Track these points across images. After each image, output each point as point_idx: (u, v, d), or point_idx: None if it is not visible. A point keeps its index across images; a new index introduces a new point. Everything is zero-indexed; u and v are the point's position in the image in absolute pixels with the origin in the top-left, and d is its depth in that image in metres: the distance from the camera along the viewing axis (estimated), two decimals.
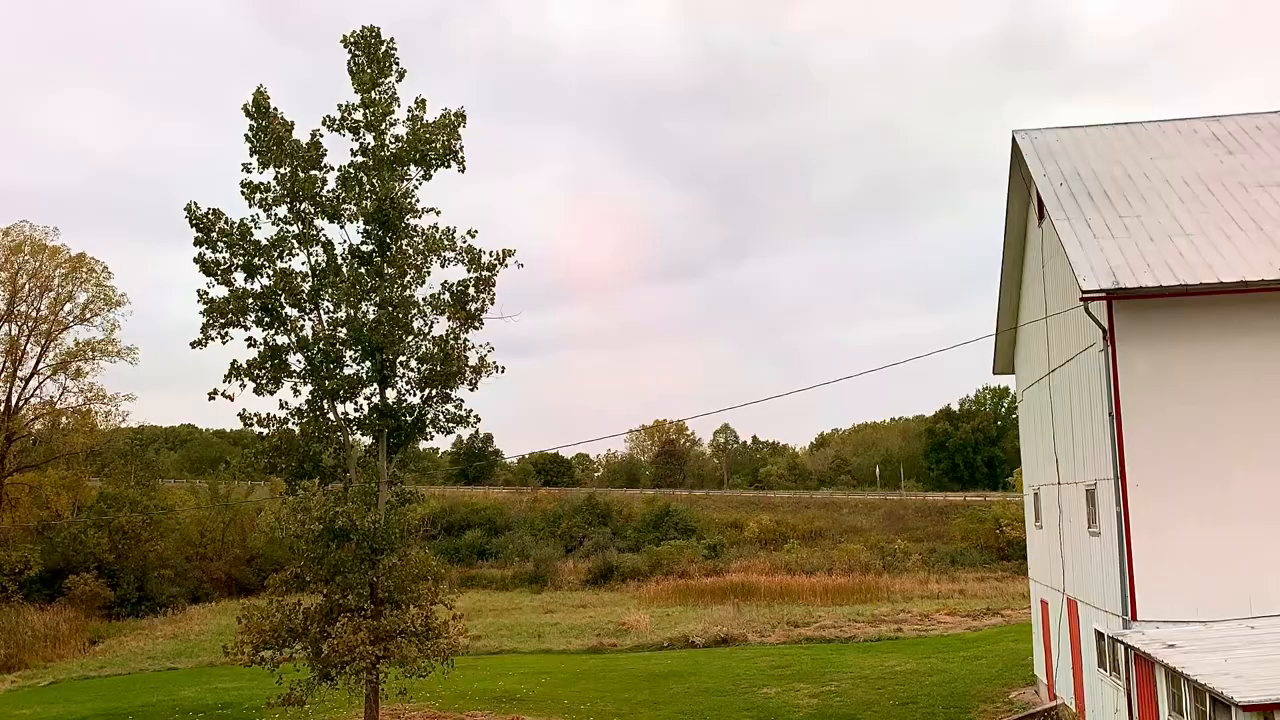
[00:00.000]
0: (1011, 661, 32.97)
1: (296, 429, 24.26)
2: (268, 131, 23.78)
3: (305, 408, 24.37)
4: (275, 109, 24.01)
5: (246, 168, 24.11)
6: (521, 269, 24.99)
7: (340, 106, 24.30)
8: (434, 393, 24.64)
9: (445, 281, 24.85)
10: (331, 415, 24.47)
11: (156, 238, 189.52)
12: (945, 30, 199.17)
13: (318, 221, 24.51)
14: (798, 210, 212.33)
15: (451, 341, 24.60)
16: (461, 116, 24.64)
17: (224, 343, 23.86)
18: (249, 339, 24.16)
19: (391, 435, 24.64)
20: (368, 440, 25.40)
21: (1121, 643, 18.07)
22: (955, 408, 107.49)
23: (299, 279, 24.21)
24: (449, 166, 24.80)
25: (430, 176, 24.71)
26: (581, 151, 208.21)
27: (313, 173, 24.17)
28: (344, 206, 24.36)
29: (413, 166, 24.41)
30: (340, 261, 24.36)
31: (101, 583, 58.09)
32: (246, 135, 23.91)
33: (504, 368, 25.01)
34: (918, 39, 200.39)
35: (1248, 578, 17.80)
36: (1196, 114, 25.45)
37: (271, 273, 24.05)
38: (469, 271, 24.71)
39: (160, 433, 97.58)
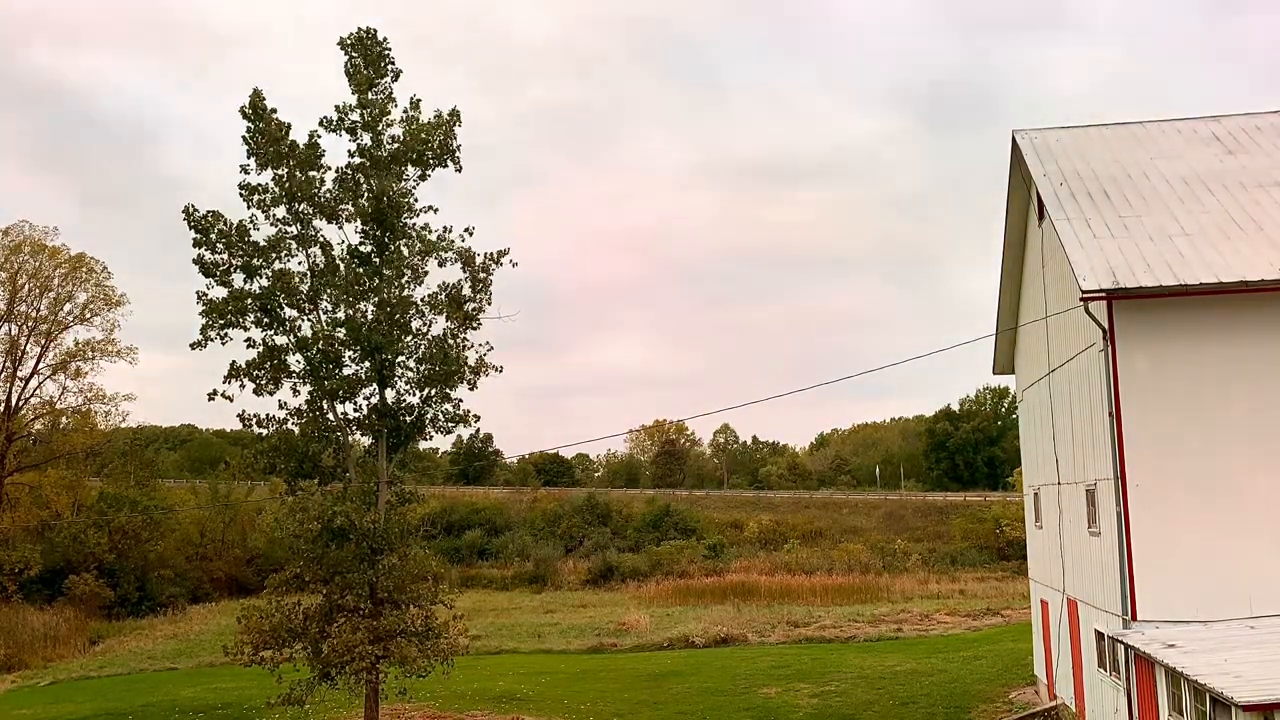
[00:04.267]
0: (1011, 661, 32.95)
1: (296, 429, 24.25)
2: (265, 133, 23.78)
3: (305, 408, 24.37)
4: (272, 110, 24.03)
5: (244, 169, 24.12)
6: (515, 268, 25.04)
7: (337, 107, 24.33)
8: (433, 393, 24.64)
9: (442, 282, 24.91)
10: (331, 415, 24.47)
11: None
12: None
13: (316, 222, 24.51)
14: None
15: (450, 341, 24.61)
16: (456, 116, 24.67)
17: (223, 343, 23.88)
18: (248, 339, 24.17)
19: (391, 435, 24.63)
20: (367, 440, 25.40)
21: (1121, 643, 18.05)
22: (955, 408, 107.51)
23: (297, 279, 24.21)
24: (446, 166, 24.81)
25: (427, 176, 24.72)
26: None
27: (310, 174, 24.17)
28: (342, 207, 24.37)
29: (410, 166, 24.42)
30: (338, 262, 24.36)
31: (101, 583, 58.09)
32: (244, 137, 23.91)
33: (502, 368, 25.07)
34: None
35: (1248, 578, 17.78)
36: (1196, 114, 25.39)
37: (270, 273, 24.06)
38: (464, 272, 24.74)
39: (160, 433, 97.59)
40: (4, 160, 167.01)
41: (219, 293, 23.97)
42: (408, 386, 24.67)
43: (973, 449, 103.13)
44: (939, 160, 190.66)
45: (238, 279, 24.02)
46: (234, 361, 23.93)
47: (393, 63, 24.47)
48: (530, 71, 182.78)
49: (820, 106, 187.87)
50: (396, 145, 24.30)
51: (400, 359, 24.29)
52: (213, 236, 23.75)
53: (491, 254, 24.63)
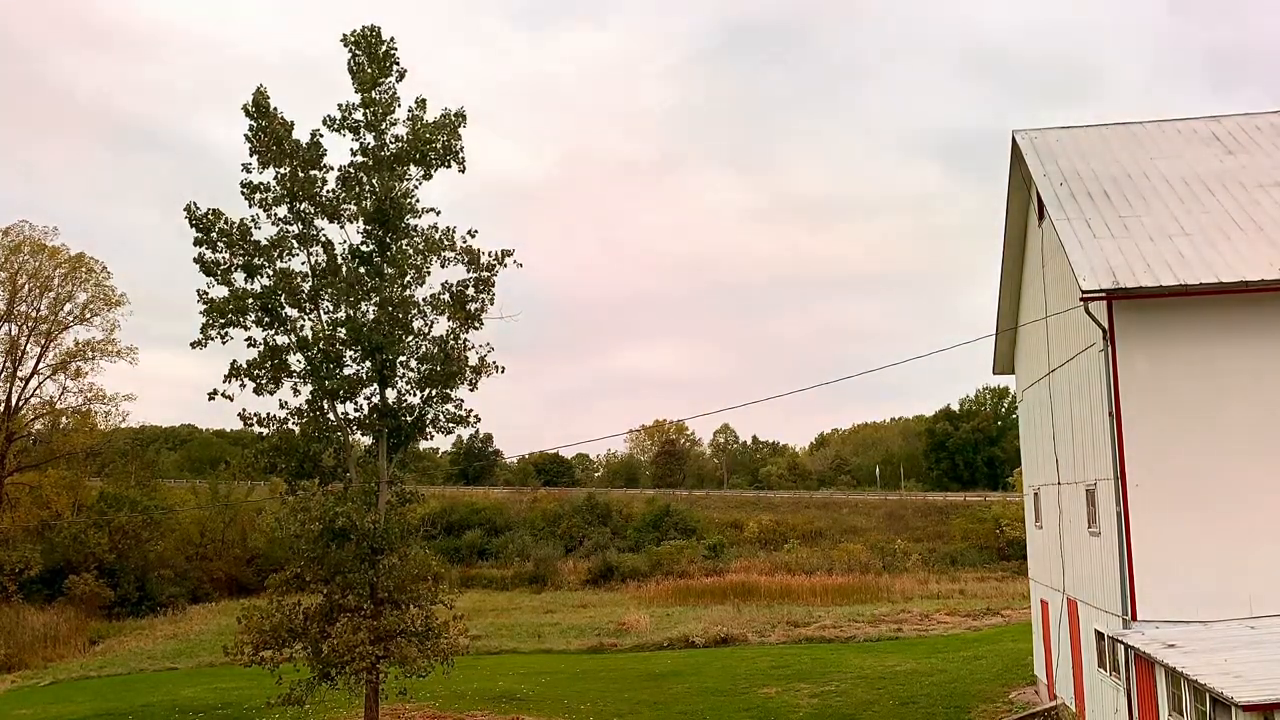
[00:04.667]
0: (1011, 661, 32.97)
1: (296, 429, 24.26)
2: (268, 132, 23.78)
3: (305, 408, 24.38)
4: (275, 109, 24.03)
5: (246, 168, 24.13)
6: (521, 268, 25.07)
7: (340, 106, 24.34)
8: (434, 393, 24.65)
9: (445, 282, 24.92)
10: (331, 415, 24.48)
11: None
12: None
13: (318, 221, 24.53)
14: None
15: (451, 341, 24.61)
16: (462, 116, 24.66)
17: (224, 343, 23.89)
18: (249, 339, 24.18)
19: (391, 435, 24.64)
20: (368, 440, 25.41)
21: (1121, 643, 18.06)
22: (955, 408, 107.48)
23: (299, 279, 24.22)
24: (449, 166, 24.83)
25: (430, 176, 24.74)
26: None
27: (313, 173, 24.18)
28: (344, 206, 24.38)
29: (413, 166, 24.43)
30: (340, 261, 24.37)
31: (101, 583, 58.09)
32: (246, 135, 23.92)
33: (504, 368, 25.08)
34: None
35: (1248, 578, 17.79)
36: (1196, 114, 25.41)
37: (271, 273, 24.06)
38: (468, 271, 24.75)
39: (160, 433, 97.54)
40: (150, 203, 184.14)
41: (220, 292, 24.02)
42: (408, 386, 24.69)
43: (973, 449, 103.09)
44: (969, 203, 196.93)
45: (239, 278, 24.06)
46: (234, 361, 23.96)
47: (397, 62, 24.45)
48: (616, 123, 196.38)
49: (869, 159, 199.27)
50: (400, 145, 24.30)
51: (401, 359, 24.31)
52: (214, 235, 23.76)
53: (496, 253, 24.66)
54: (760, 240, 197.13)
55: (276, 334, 24.22)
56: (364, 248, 24.46)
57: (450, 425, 25.01)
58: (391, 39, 24.38)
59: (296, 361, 24.29)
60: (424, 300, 24.57)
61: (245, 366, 23.94)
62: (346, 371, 24.36)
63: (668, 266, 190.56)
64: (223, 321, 23.79)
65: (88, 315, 59.48)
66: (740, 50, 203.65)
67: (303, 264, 24.45)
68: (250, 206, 24.10)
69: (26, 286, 58.30)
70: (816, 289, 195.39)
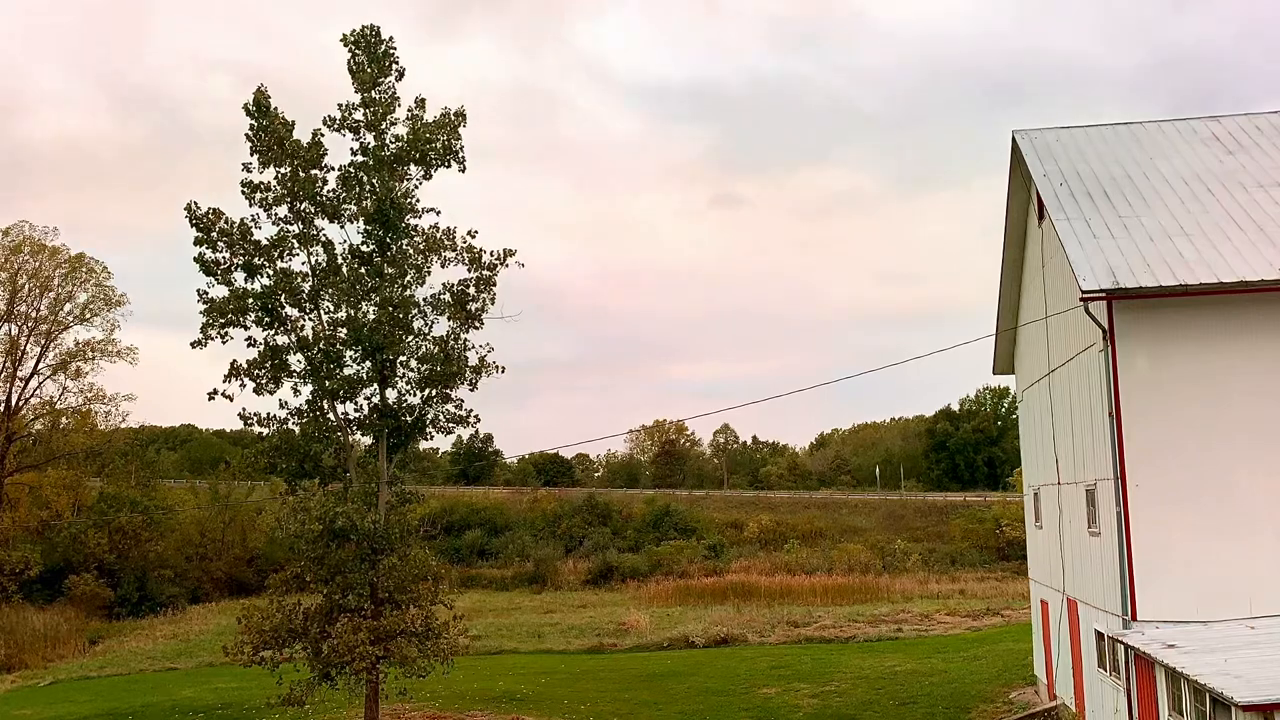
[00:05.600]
0: (1011, 661, 32.96)
1: (296, 429, 24.27)
2: (268, 131, 23.77)
3: (305, 408, 24.39)
4: (276, 108, 24.02)
5: (247, 167, 24.13)
6: (523, 268, 25.08)
7: (340, 106, 24.33)
8: (434, 393, 24.65)
9: (446, 282, 24.93)
10: (331, 415, 24.48)
11: None
12: None
13: (318, 221, 24.53)
14: None
15: (452, 342, 24.61)
16: (462, 116, 24.65)
17: (224, 342, 23.89)
18: (249, 339, 24.18)
19: (391, 435, 24.64)
20: (368, 440, 25.41)
21: (1121, 643, 18.07)
22: (955, 408, 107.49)
23: (299, 279, 24.22)
24: (449, 166, 24.82)
25: (430, 176, 24.74)
26: None
27: (313, 172, 24.17)
28: (344, 206, 24.38)
29: (413, 166, 24.43)
30: (340, 261, 24.37)
31: (101, 583, 58.13)
32: (247, 135, 23.91)
33: (504, 368, 25.08)
34: None
35: (1248, 578, 17.79)
36: (1196, 114, 25.40)
37: (272, 272, 24.06)
38: (469, 271, 24.75)
39: (160, 433, 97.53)
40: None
41: (220, 291, 24.02)
42: (408, 386, 24.69)
43: (973, 449, 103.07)
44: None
45: (239, 278, 24.06)
46: (234, 361, 23.96)
47: (396, 61, 24.44)
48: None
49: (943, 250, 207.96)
50: (400, 144, 24.29)
51: (401, 359, 24.31)
52: (214, 235, 23.76)
53: (497, 253, 24.67)
54: (828, 294, 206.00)
55: (277, 334, 24.25)
56: (364, 248, 24.46)
57: (450, 425, 25.03)
58: (391, 39, 24.37)
59: (296, 361, 24.31)
60: (424, 300, 24.60)
61: (245, 366, 23.94)
62: (347, 371, 24.36)
63: (749, 313, 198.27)
64: (223, 321, 23.79)
65: (88, 315, 59.61)
66: (895, 186, 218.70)
67: (303, 264, 24.50)
68: (250, 206, 24.13)
69: (26, 286, 58.37)
70: (854, 322, 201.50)
